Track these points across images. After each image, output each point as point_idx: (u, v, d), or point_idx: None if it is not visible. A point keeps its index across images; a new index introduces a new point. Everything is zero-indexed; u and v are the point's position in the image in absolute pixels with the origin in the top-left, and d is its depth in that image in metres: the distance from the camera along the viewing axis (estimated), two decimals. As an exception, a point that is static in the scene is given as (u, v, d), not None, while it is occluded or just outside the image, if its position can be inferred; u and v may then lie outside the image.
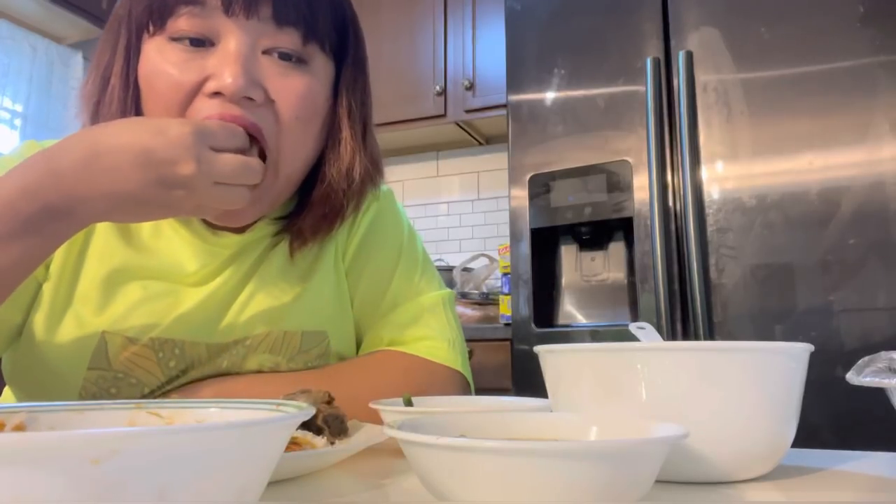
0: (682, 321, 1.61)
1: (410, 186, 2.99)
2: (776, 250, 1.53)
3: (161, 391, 0.65)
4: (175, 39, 0.58)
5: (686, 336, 1.59)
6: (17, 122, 2.43)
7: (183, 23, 0.58)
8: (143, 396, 0.64)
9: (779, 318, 1.50)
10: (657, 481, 0.35)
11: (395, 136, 2.70)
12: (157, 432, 0.24)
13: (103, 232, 0.67)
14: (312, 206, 0.67)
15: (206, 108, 0.57)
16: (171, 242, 0.67)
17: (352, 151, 0.66)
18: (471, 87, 2.51)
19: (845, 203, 1.48)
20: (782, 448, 0.43)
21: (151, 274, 0.65)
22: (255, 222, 0.70)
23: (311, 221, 0.68)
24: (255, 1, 0.58)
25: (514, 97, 1.89)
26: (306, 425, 0.49)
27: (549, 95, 1.84)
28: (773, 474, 0.44)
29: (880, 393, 0.44)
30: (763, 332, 1.51)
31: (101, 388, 0.63)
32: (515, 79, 1.89)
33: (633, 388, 0.41)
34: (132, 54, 0.61)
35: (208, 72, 0.58)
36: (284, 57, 0.60)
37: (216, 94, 0.57)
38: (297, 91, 0.60)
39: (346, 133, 0.66)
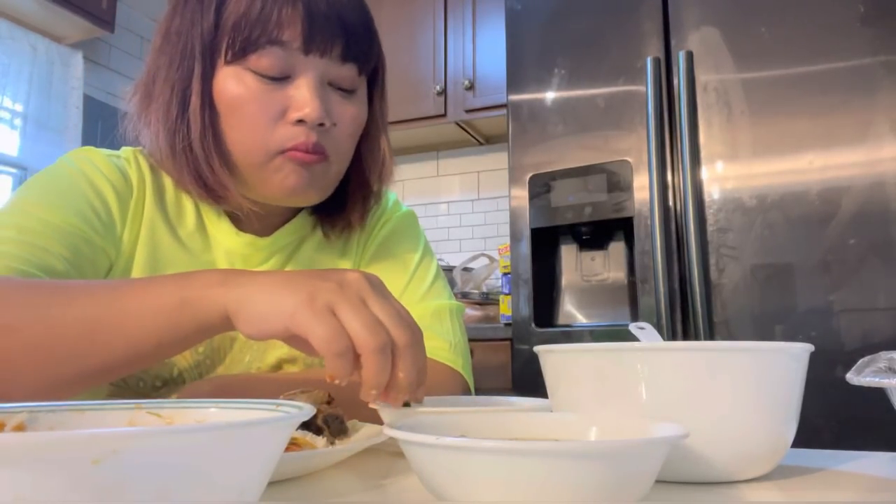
0: (682, 321, 1.61)
1: (410, 186, 2.99)
2: (776, 250, 1.53)
3: (189, 376, 0.70)
4: (254, 72, 0.65)
5: (686, 336, 1.59)
6: (17, 121, 2.43)
7: (265, 61, 0.65)
8: (172, 377, 0.70)
9: (779, 318, 1.50)
10: (657, 481, 0.35)
11: (395, 136, 2.69)
12: (157, 432, 0.24)
13: (150, 224, 0.72)
14: (357, 204, 0.78)
15: (290, 133, 0.66)
16: (211, 243, 0.75)
17: (388, 157, 0.78)
18: (471, 87, 2.51)
19: (845, 203, 1.48)
20: (782, 448, 0.43)
21: (188, 267, 0.72)
22: (279, 227, 0.78)
23: (358, 216, 0.79)
24: (330, 44, 0.66)
25: (514, 97, 1.89)
26: (306, 425, 0.49)
27: (549, 95, 1.84)
28: (773, 474, 0.44)
29: (880, 393, 0.44)
30: (763, 332, 1.51)
31: None
32: (515, 79, 1.89)
33: (633, 388, 0.41)
34: (206, 76, 0.67)
35: (288, 102, 0.66)
36: (342, 87, 0.70)
37: (299, 121, 0.66)
38: (352, 116, 0.71)
39: (384, 144, 0.78)
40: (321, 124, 0.66)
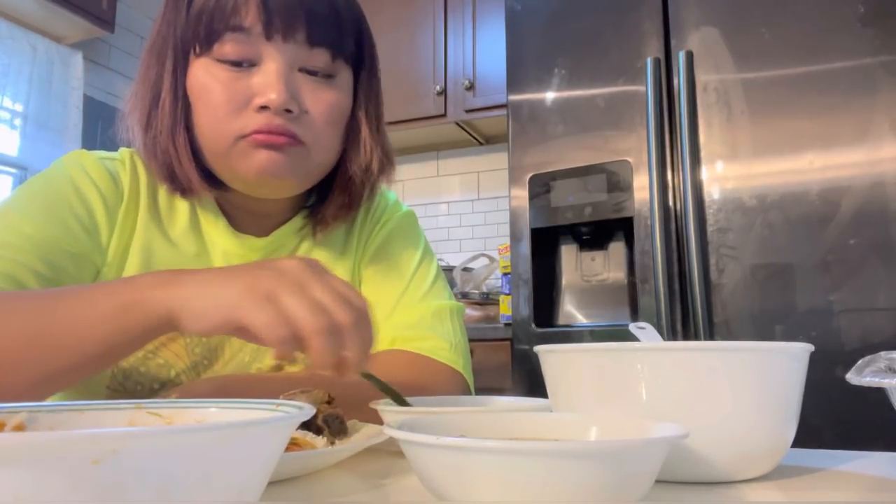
0: (682, 321, 1.61)
1: (410, 186, 2.99)
2: (776, 250, 1.53)
3: (187, 377, 0.71)
4: (221, 61, 0.66)
5: (686, 336, 1.59)
6: (17, 122, 2.43)
7: (228, 48, 0.65)
8: (170, 379, 0.70)
9: (779, 318, 1.50)
10: (657, 481, 0.35)
11: (395, 136, 2.69)
12: (157, 432, 0.24)
13: (143, 227, 0.72)
14: (335, 196, 0.76)
15: (253, 120, 0.65)
16: (206, 244, 0.75)
17: (371, 149, 0.74)
18: (471, 87, 2.51)
19: (845, 203, 1.48)
20: (782, 448, 0.43)
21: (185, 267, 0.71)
22: (277, 227, 0.77)
23: (334, 209, 0.76)
24: (291, 28, 0.65)
25: (514, 97, 1.89)
26: (306, 425, 0.49)
27: (549, 95, 1.84)
28: (773, 474, 0.44)
29: (880, 393, 0.44)
30: (763, 332, 1.51)
31: (132, 366, 0.69)
32: (515, 79, 1.89)
33: (633, 388, 0.41)
34: (179, 71, 0.68)
35: (254, 89, 0.65)
36: (316, 74, 0.68)
37: (263, 108, 0.65)
38: (327, 103, 0.69)
39: (365, 132, 0.74)
40: (289, 111, 0.65)
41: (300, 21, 0.66)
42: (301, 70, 0.67)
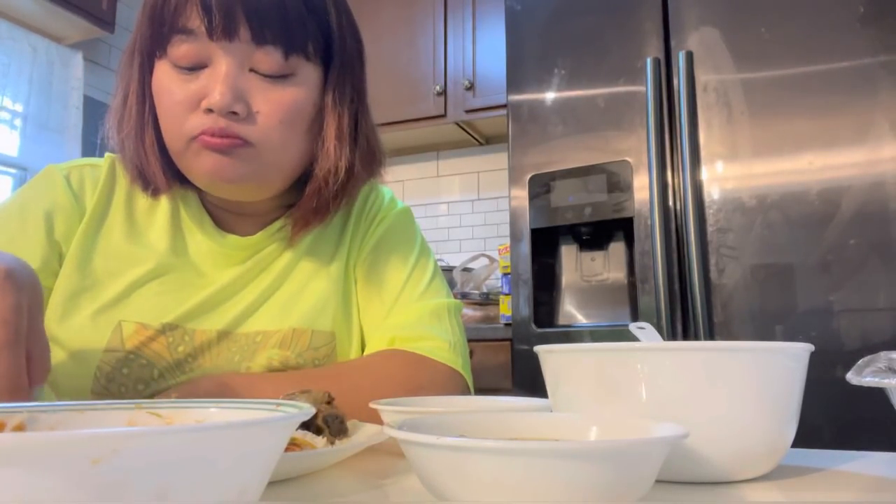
0: (682, 321, 1.61)
1: (410, 186, 2.99)
2: (776, 250, 1.53)
3: (172, 375, 0.70)
4: (175, 63, 0.66)
5: (686, 336, 1.59)
6: (17, 122, 2.43)
7: (180, 49, 0.65)
8: (153, 378, 0.70)
9: (779, 318, 1.50)
10: (657, 481, 0.35)
11: (395, 136, 2.70)
12: (157, 432, 0.24)
13: (117, 232, 0.73)
14: (305, 200, 0.73)
15: (199, 122, 0.64)
16: (187, 243, 0.75)
17: (336, 150, 0.71)
18: (471, 87, 2.51)
19: (845, 203, 1.48)
20: (782, 448, 0.43)
21: (169, 271, 0.73)
22: (264, 227, 0.76)
23: (302, 214, 0.74)
24: (233, 27, 0.64)
25: (514, 97, 1.89)
26: (306, 425, 0.49)
27: (549, 95, 1.84)
28: (773, 474, 0.44)
29: (880, 393, 0.44)
30: (763, 332, 1.51)
31: (114, 368, 0.68)
32: (515, 79, 1.90)
33: (633, 388, 0.41)
34: (146, 74, 0.69)
35: (202, 91, 0.65)
36: (268, 73, 0.66)
37: (209, 110, 0.64)
38: (279, 103, 0.66)
39: (330, 133, 0.71)
40: (234, 112, 0.64)
41: (240, 20, 0.63)
42: (252, 70, 0.66)
